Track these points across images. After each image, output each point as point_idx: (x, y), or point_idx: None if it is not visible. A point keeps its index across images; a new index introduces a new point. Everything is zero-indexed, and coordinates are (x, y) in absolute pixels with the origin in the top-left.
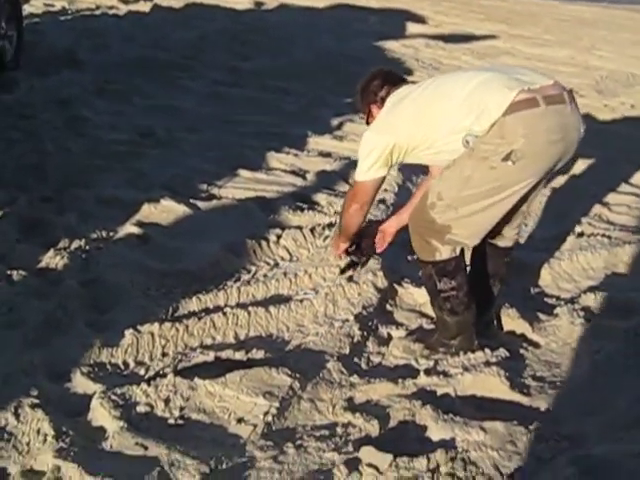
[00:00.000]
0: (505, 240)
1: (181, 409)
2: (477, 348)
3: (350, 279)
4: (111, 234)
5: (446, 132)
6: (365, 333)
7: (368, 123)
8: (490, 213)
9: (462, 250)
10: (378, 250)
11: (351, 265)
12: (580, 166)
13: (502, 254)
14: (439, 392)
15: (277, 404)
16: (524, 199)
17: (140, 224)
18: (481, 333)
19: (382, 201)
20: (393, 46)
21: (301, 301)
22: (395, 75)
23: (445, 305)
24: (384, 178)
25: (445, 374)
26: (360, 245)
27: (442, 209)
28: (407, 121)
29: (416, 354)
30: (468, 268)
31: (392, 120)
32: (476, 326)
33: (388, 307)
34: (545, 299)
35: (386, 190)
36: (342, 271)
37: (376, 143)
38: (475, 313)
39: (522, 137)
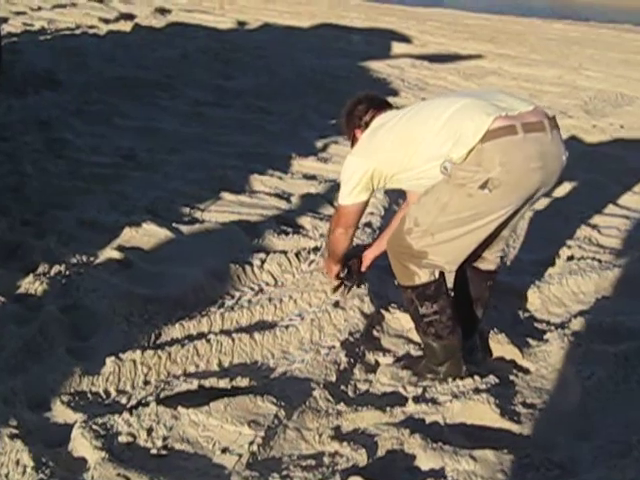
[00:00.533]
0: (487, 263)
1: (164, 439)
2: (466, 375)
3: (336, 305)
4: (92, 258)
5: (425, 159)
6: (352, 360)
7: (352, 147)
8: (468, 240)
9: (442, 273)
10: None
11: (341, 286)
12: (569, 188)
13: (485, 277)
14: (428, 420)
15: (262, 433)
16: (504, 225)
17: (122, 248)
18: (468, 359)
19: (368, 224)
20: (378, 66)
21: (286, 327)
22: (380, 99)
23: (429, 330)
24: (367, 202)
25: (434, 401)
26: (351, 268)
27: (419, 235)
28: (386, 147)
29: (404, 381)
30: (451, 292)
31: (372, 145)
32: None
33: (375, 333)
34: (535, 324)
35: (372, 214)
36: (334, 290)
37: (357, 167)
38: (461, 338)
39: (499, 165)
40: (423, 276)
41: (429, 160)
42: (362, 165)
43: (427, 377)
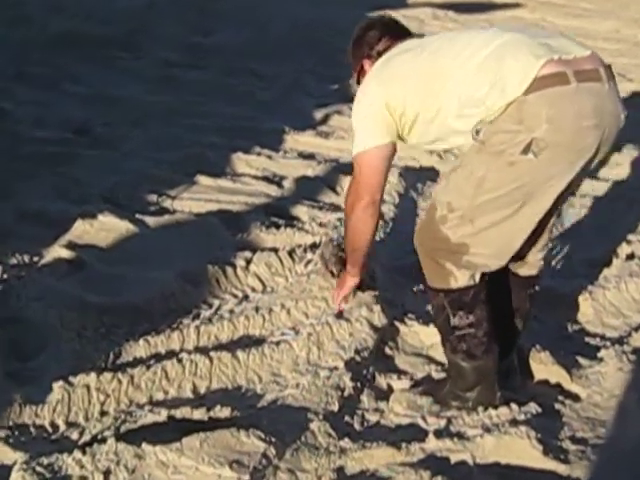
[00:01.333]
0: (528, 267)
1: None
2: (500, 403)
3: (340, 315)
4: (35, 259)
5: (454, 103)
6: (359, 384)
7: (359, 83)
8: (516, 224)
9: (483, 278)
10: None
11: None
12: (626, 169)
13: (525, 285)
14: (453, 459)
15: (247, 476)
16: (552, 209)
17: (72, 246)
18: (503, 383)
19: (379, 215)
20: None
21: (277, 344)
22: (399, 26)
23: (460, 346)
24: (393, 151)
25: (460, 436)
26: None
27: (455, 223)
28: (406, 75)
29: (424, 411)
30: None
31: (388, 72)
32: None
33: (387, 351)
34: (586, 339)
35: (384, 202)
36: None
37: (372, 98)
38: (497, 358)
39: (546, 122)
40: (461, 278)
41: (460, 106)
42: (377, 94)
43: (452, 405)
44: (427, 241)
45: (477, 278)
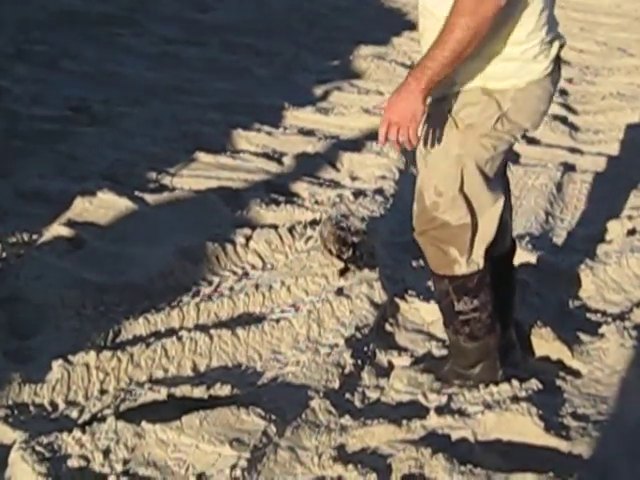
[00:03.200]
0: (499, 244)
1: (125, 462)
2: (502, 379)
3: (340, 292)
4: (34, 237)
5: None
6: (359, 361)
7: None
8: (497, 192)
9: (486, 262)
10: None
11: (345, 272)
12: (627, 147)
13: (506, 261)
14: (454, 436)
15: (248, 454)
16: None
17: (72, 224)
18: (504, 360)
19: (379, 191)
20: None
21: (277, 321)
22: None
23: (463, 329)
24: None
25: (462, 413)
26: (357, 246)
27: (449, 205)
28: None
29: (424, 388)
30: None
31: None
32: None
33: (388, 328)
34: (587, 315)
35: (384, 177)
36: (340, 274)
37: None
38: (499, 336)
39: (510, 100)
40: (465, 265)
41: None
42: None
43: (454, 383)
44: (428, 230)
45: (481, 263)
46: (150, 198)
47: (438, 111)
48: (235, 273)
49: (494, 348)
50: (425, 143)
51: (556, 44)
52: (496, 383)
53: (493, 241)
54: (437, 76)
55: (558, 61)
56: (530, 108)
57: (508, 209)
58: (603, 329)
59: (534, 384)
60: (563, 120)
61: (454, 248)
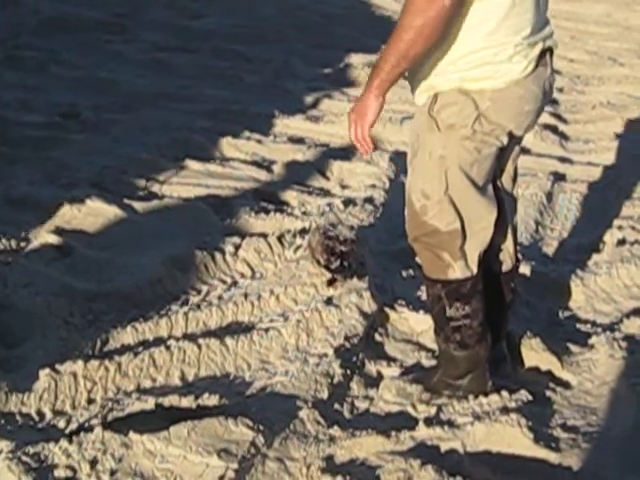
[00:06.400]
0: (504, 262)
1: (112, 473)
2: (492, 390)
3: (329, 302)
4: (22, 244)
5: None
6: (348, 371)
7: None
8: (488, 199)
9: (480, 269)
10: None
11: (333, 282)
12: (617, 156)
13: (505, 280)
14: (443, 447)
15: (235, 465)
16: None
17: (60, 231)
18: (494, 371)
19: (369, 200)
20: (385, 1)
21: (266, 331)
22: None
23: (454, 336)
24: None
25: (451, 424)
26: (345, 256)
27: (437, 209)
28: None
29: (413, 398)
30: None
31: None
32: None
33: (377, 337)
34: (577, 325)
35: (374, 186)
36: (327, 284)
37: None
38: (489, 347)
39: (489, 100)
40: (459, 270)
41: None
42: None
43: (443, 393)
44: (420, 237)
45: (475, 270)
46: (139, 206)
47: (421, 114)
48: (224, 282)
49: (484, 358)
50: (412, 146)
51: (539, 45)
52: (486, 394)
53: (494, 254)
54: (388, 75)
55: (544, 61)
56: (511, 108)
57: (507, 223)
58: (593, 340)
59: (524, 395)
60: (553, 129)
61: (447, 253)
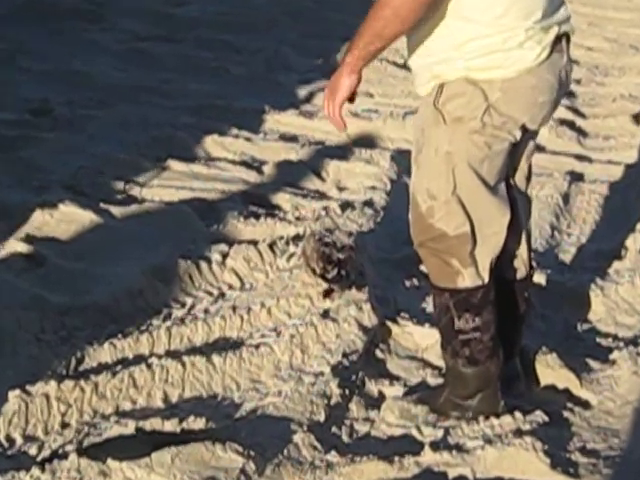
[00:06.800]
0: (517, 269)
1: None
2: (503, 411)
3: (326, 315)
4: None
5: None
6: (347, 391)
7: None
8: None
9: (491, 277)
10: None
11: (330, 292)
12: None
13: (518, 289)
14: (451, 474)
15: None
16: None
17: (30, 239)
18: (506, 390)
19: (369, 203)
20: None
21: (257, 347)
22: None
23: (462, 351)
24: None
25: (459, 448)
26: (343, 264)
27: (445, 211)
28: None
29: (418, 420)
30: None
31: None
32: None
33: (378, 354)
34: (597, 339)
35: (374, 188)
36: (324, 296)
37: None
38: (501, 363)
39: (499, 90)
40: (469, 277)
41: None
42: None
43: (451, 415)
44: (426, 242)
45: (486, 278)
46: (117, 210)
47: (426, 106)
48: (210, 294)
49: (495, 376)
50: (417, 142)
51: (553, 30)
52: (497, 415)
53: (506, 261)
54: (361, 52)
55: (559, 47)
56: (524, 99)
57: (521, 227)
58: (614, 355)
59: (539, 416)
60: (570, 125)
61: (456, 259)
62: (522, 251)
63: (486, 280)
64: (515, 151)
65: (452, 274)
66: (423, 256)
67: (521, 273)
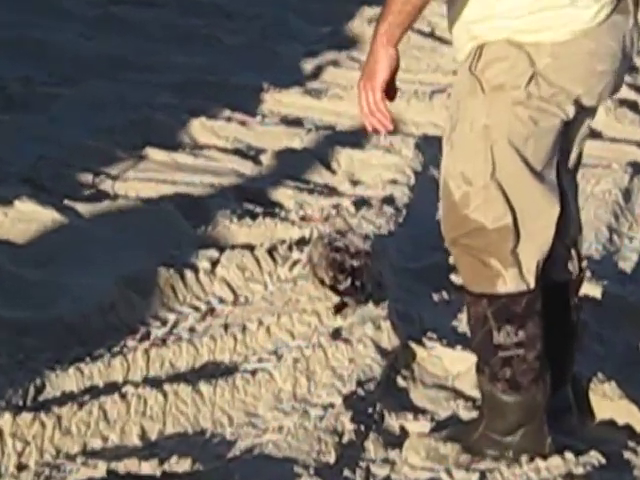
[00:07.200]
0: (562, 268)
1: None
2: (551, 451)
3: (336, 335)
4: None
5: None
6: (362, 427)
7: None
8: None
9: (538, 282)
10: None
11: (342, 307)
12: None
13: (565, 292)
14: None
15: None
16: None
17: None
18: (555, 425)
19: (389, 200)
20: None
21: (253, 373)
22: None
23: (503, 372)
24: None
25: None
26: (358, 274)
27: (482, 199)
28: None
29: (448, 462)
30: None
31: None
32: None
33: (400, 382)
34: None
35: (395, 182)
36: (335, 311)
37: None
38: (548, 390)
39: (549, 55)
40: (511, 281)
41: None
42: None
43: (487, 454)
44: (460, 238)
45: (532, 283)
46: (84, 209)
47: (462, 74)
48: (197, 309)
49: (541, 406)
50: (450, 118)
51: None
52: (544, 455)
53: (553, 261)
54: (397, 18)
55: (623, 5)
56: (579, 67)
57: (570, 221)
58: None
59: (594, 457)
60: (632, 106)
61: (495, 259)
62: (571, 249)
63: (532, 285)
64: (567, 132)
65: (491, 277)
66: (456, 256)
67: (570, 276)
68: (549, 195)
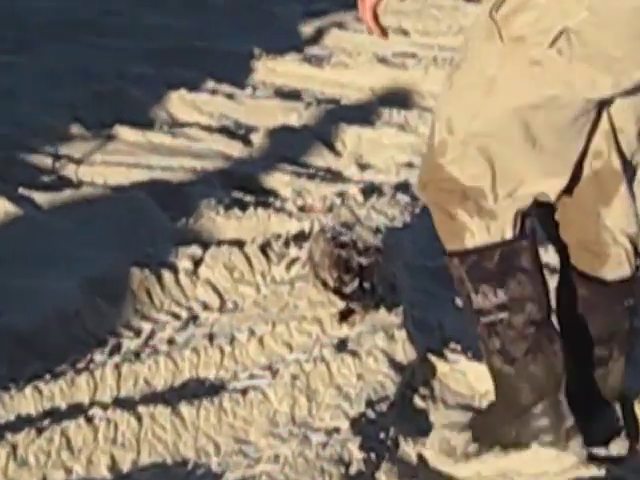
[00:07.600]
0: (614, 264)
1: None
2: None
3: (342, 347)
4: None
5: None
6: (372, 456)
7: None
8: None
9: (524, 227)
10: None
11: (349, 314)
12: None
13: (617, 293)
14: None
15: None
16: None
17: None
18: (602, 451)
19: (403, 187)
20: None
21: (244, 392)
22: None
23: (492, 344)
24: None
25: None
26: (366, 276)
27: (459, 152)
28: None
29: None
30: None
31: None
32: (582, 428)
33: (418, 402)
34: None
35: (410, 165)
36: (340, 319)
37: None
38: (562, 362)
39: (586, 9)
40: (479, 232)
41: None
42: None
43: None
44: (431, 183)
45: (508, 232)
46: (43, 198)
47: (481, 16)
48: (177, 316)
49: (550, 385)
50: (459, 57)
51: None
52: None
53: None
54: None
55: None
56: (622, 25)
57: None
58: None
59: None
60: None
61: (462, 210)
62: (625, 246)
63: (507, 235)
64: (612, 107)
65: (458, 230)
66: (428, 205)
67: (623, 271)
68: (550, 164)
